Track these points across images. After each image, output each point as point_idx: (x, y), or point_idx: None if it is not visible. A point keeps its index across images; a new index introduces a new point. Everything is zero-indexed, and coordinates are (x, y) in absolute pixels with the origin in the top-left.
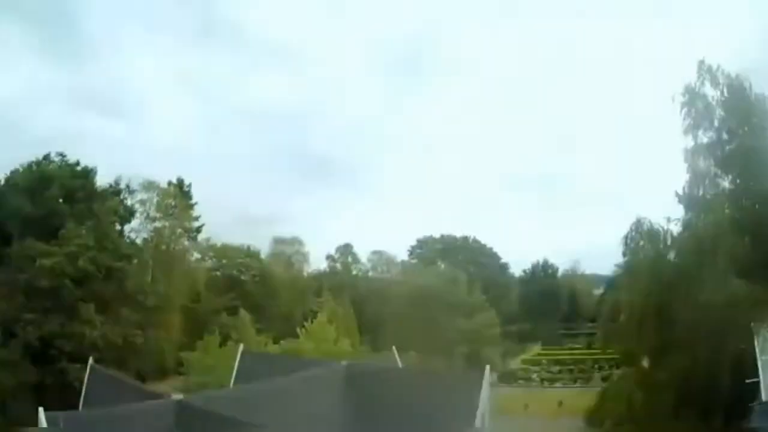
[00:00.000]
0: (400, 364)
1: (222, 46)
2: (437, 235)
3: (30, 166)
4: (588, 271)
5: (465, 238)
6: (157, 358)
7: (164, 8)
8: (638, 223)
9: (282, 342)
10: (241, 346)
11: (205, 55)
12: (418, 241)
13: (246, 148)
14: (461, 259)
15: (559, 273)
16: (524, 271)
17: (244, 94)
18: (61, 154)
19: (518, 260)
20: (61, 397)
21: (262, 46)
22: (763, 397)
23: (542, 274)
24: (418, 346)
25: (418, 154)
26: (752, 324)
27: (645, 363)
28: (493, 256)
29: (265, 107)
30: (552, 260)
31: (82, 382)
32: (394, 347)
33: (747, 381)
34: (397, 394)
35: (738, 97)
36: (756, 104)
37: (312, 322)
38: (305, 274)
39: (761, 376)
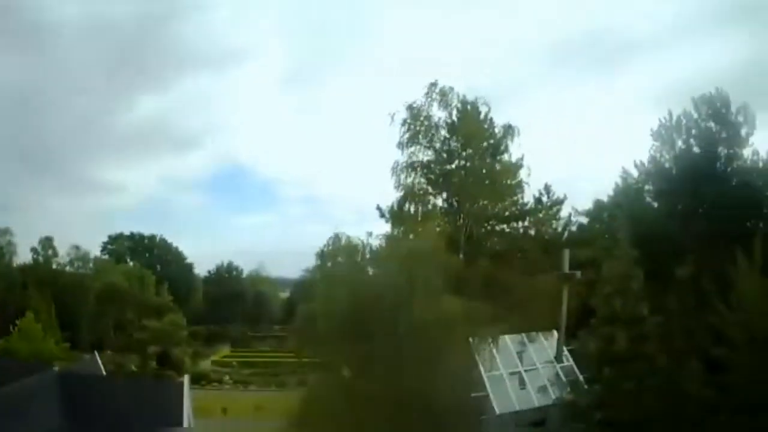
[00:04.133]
0: (102, 369)
1: None
2: (126, 233)
3: None
4: (273, 274)
5: (153, 237)
6: None
7: None
8: (336, 237)
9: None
10: None
11: None
12: (109, 237)
13: None
14: (149, 257)
15: (244, 275)
16: (209, 271)
17: None
18: None
19: (203, 261)
20: None
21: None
22: (497, 411)
23: (227, 275)
24: (113, 345)
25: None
26: (471, 340)
27: (346, 372)
28: (179, 256)
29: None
30: (237, 262)
31: None
32: (95, 352)
33: (473, 395)
34: (108, 401)
35: (469, 119)
36: (488, 128)
37: (22, 318)
38: (14, 265)
39: (489, 390)
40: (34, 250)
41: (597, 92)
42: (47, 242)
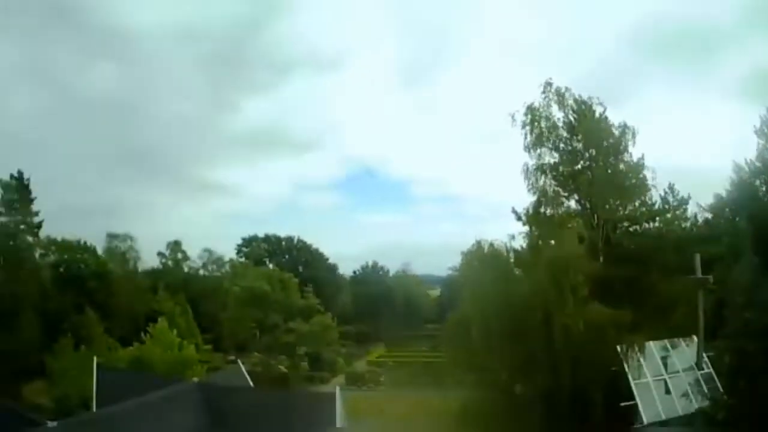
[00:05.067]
0: (247, 377)
1: (58, 31)
2: (261, 235)
3: None
4: (420, 272)
5: (289, 239)
6: (19, 361)
7: None
8: (479, 242)
9: (130, 348)
10: (95, 360)
11: (42, 42)
12: (243, 240)
13: (74, 137)
14: (288, 259)
15: (390, 274)
16: (354, 272)
17: (78, 83)
18: None
19: (343, 261)
20: None
21: (90, 32)
22: (645, 420)
23: (373, 275)
24: (258, 347)
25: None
26: (619, 348)
27: (504, 377)
28: (321, 257)
29: (96, 96)
30: (378, 261)
31: None
32: (238, 359)
33: (622, 404)
34: (251, 414)
35: (586, 119)
36: (605, 128)
37: (154, 324)
38: (140, 271)
39: (638, 400)
40: (161, 254)
41: (689, 84)
42: (176, 246)
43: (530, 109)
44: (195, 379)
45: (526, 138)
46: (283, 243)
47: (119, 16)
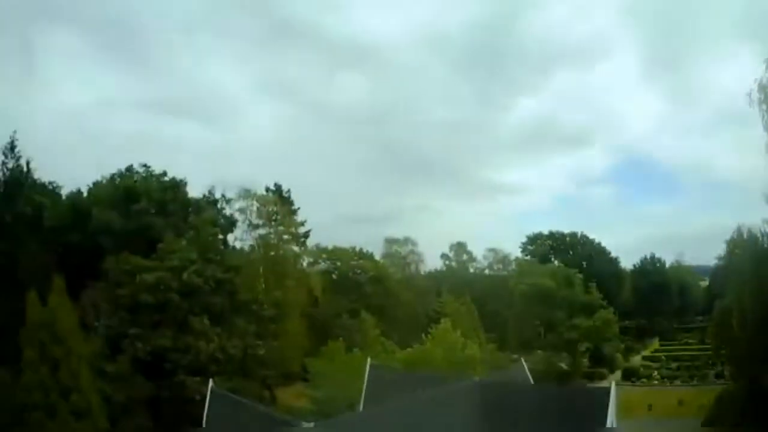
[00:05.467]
0: (528, 375)
1: (295, 47)
2: (545, 232)
3: (112, 178)
4: (691, 263)
5: (573, 234)
6: (281, 366)
7: (224, 14)
8: (739, 230)
9: (409, 349)
10: (369, 360)
11: (281, 58)
12: (528, 237)
13: (338, 148)
14: (572, 255)
15: (667, 265)
16: (634, 265)
17: (325, 94)
18: (145, 165)
19: (622, 254)
20: (179, 410)
21: (336, 46)
22: None
23: (651, 267)
24: (542, 345)
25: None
26: None
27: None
28: (603, 252)
29: (348, 107)
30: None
31: (202, 396)
32: (521, 357)
33: None
34: (529, 410)
35: None
36: None
37: (436, 325)
38: (422, 273)
39: None
40: (444, 256)
41: None
42: (459, 247)
43: (762, 87)
44: (475, 379)
45: (762, 117)
46: (567, 239)
47: (360, 29)
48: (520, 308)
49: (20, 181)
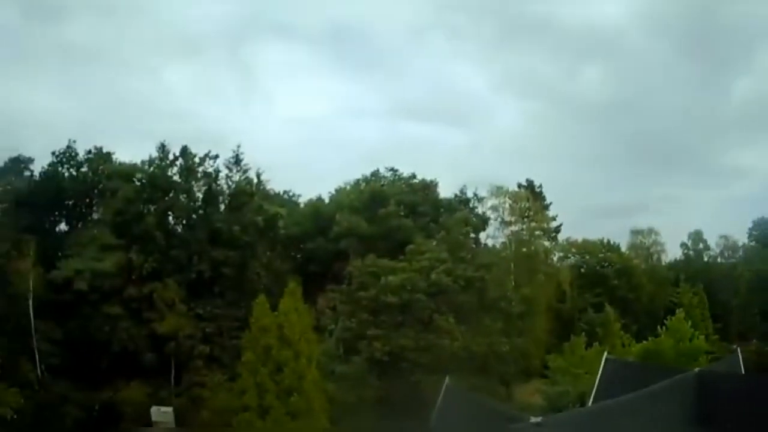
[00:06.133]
0: (741, 365)
1: (531, 42)
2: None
3: (357, 184)
4: None
5: None
6: (521, 362)
7: (452, 15)
8: None
9: (644, 341)
10: (605, 354)
11: (519, 54)
12: (754, 222)
13: (581, 141)
14: None
15: None
16: None
17: (566, 86)
18: (392, 169)
19: None
20: (411, 410)
21: (572, 36)
22: None
23: None
24: (758, 334)
25: None
26: None
27: None
28: None
29: (588, 97)
30: None
31: (435, 394)
32: (738, 348)
33: None
34: (743, 401)
35: None
36: None
37: (671, 316)
38: (663, 264)
39: None
40: (683, 245)
41: None
42: (697, 236)
43: None
44: (696, 370)
45: None
46: None
47: (592, 16)
48: (744, 297)
49: (248, 192)
